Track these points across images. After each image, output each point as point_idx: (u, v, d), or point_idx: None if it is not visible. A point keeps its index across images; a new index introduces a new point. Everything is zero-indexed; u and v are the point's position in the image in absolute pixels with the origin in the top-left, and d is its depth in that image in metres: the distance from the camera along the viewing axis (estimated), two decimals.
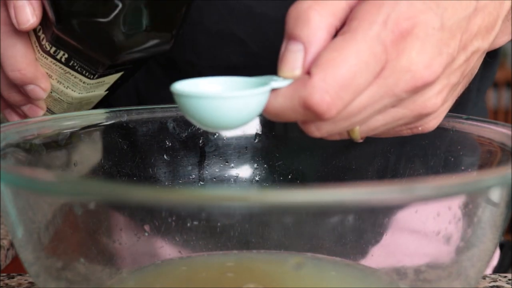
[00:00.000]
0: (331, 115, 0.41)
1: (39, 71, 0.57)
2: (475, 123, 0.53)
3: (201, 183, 0.61)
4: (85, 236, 0.50)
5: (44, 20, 0.55)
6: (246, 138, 0.60)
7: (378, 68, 0.42)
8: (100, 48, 0.54)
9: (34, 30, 0.56)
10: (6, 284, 0.59)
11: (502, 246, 0.77)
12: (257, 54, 0.65)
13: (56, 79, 0.58)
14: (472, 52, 0.46)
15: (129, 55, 0.54)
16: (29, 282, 0.59)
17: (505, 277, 0.60)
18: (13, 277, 0.61)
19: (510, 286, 0.58)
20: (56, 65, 0.57)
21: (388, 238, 0.56)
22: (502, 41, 0.51)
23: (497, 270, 0.74)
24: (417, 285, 0.50)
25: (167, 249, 0.57)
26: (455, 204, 0.46)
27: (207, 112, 0.41)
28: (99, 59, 0.55)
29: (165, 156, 0.60)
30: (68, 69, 0.57)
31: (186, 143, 0.60)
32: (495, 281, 0.60)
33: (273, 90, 0.42)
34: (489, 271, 0.73)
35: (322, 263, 0.54)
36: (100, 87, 0.59)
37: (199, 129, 0.59)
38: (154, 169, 0.59)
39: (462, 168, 0.54)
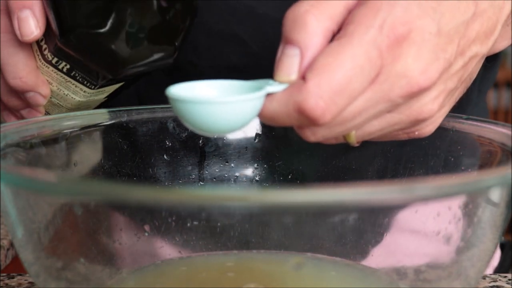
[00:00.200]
0: (325, 121, 0.41)
1: (39, 79, 0.57)
2: (475, 123, 0.53)
3: (201, 183, 0.61)
4: (85, 236, 0.50)
5: (47, 30, 0.55)
6: (246, 138, 0.60)
7: (374, 73, 0.41)
8: (103, 63, 0.54)
9: (37, 40, 0.56)
10: (6, 284, 0.59)
11: (503, 246, 0.77)
12: (257, 55, 0.65)
13: (56, 86, 0.58)
14: (470, 57, 0.45)
15: (132, 69, 0.54)
16: (29, 282, 0.59)
17: (505, 277, 0.60)
18: (13, 277, 0.61)
19: (510, 286, 0.58)
20: (57, 74, 0.57)
21: (388, 238, 0.56)
22: (502, 45, 0.51)
23: (497, 270, 0.74)
24: (417, 285, 0.50)
25: (167, 249, 0.57)
26: (455, 204, 0.46)
27: (202, 117, 0.42)
28: (102, 72, 0.55)
29: (165, 156, 0.60)
30: (69, 79, 0.57)
31: (186, 143, 0.60)
32: (495, 281, 0.60)
33: (269, 94, 0.42)
34: (490, 271, 0.73)
35: (322, 263, 0.54)
36: (100, 95, 0.59)
37: None
38: (154, 169, 0.59)
39: (462, 168, 0.54)
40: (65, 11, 0.52)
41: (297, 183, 0.60)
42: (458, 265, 0.47)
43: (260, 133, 0.60)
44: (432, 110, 0.44)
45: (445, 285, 0.47)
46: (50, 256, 0.46)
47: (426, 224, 0.50)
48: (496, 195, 0.44)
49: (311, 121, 0.41)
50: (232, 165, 0.61)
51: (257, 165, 0.61)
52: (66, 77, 0.57)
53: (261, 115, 0.43)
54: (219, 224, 0.57)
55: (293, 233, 0.56)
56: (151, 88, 0.70)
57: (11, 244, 0.82)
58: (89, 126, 0.57)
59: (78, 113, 0.58)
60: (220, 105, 0.41)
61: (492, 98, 3.35)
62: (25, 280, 0.60)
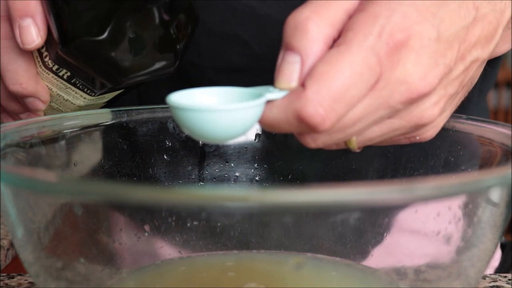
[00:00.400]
0: (325, 128, 0.41)
1: (39, 85, 0.57)
2: (475, 123, 0.53)
3: (201, 183, 0.61)
4: (85, 236, 0.50)
5: (48, 38, 0.55)
6: (246, 138, 0.60)
7: (373, 80, 0.41)
8: (104, 72, 0.54)
9: None
10: (6, 284, 0.59)
11: (503, 247, 0.77)
12: (259, 55, 0.65)
13: (56, 91, 0.58)
14: (471, 61, 0.45)
15: (132, 79, 0.54)
16: (29, 282, 0.59)
17: (505, 277, 0.60)
18: (13, 277, 0.61)
19: (510, 286, 0.58)
20: (57, 80, 0.57)
21: (388, 238, 0.56)
22: (503, 49, 0.51)
23: (498, 271, 0.74)
24: (417, 285, 0.50)
25: (167, 249, 0.57)
26: (455, 204, 0.46)
27: (203, 125, 0.42)
28: (102, 81, 0.55)
29: (165, 156, 0.60)
30: (69, 85, 0.57)
31: (186, 143, 0.60)
32: (495, 281, 0.60)
33: (269, 101, 0.42)
34: (490, 271, 0.73)
35: (322, 263, 0.54)
36: (99, 100, 0.59)
37: None
38: (154, 169, 0.59)
39: (462, 168, 0.54)
40: (67, 20, 0.52)
41: (297, 183, 0.60)
42: (458, 265, 0.47)
43: (260, 133, 0.61)
44: (432, 115, 0.44)
45: (445, 285, 0.47)
46: (50, 256, 0.46)
47: (426, 224, 0.50)
48: (496, 195, 0.44)
49: (311, 128, 0.41)
50: (232, 165, 0.61)
51: (257, 165, 0.61)
52: (66, 83, 0.57)
53: (261, 122, 0.43)
54: (219, 224, 0.57)
55: (293, 233, 0.56)
56: (151, 88, 0.70)
57: (11, 244, 0.82)
58: (89, 126, 0.57)
59: (78, 113, 0.58)
60: (221, 113, 0.41)
61: (492, 98, 3.35)
62: (25, 280, 0.60)
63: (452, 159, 0.55)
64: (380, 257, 0.54)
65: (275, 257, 0.56)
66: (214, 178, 0.61)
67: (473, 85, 0.49)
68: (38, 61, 0.57)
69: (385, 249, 0.56)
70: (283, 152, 0.61)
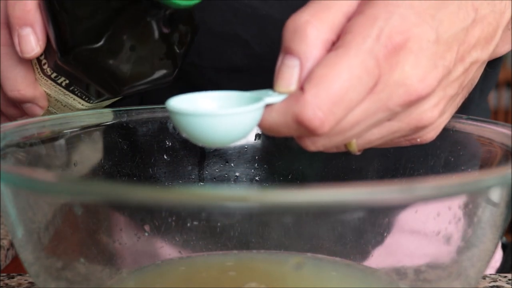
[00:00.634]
0: (323, 131, 0.41)
1: (37, 91, 0.57)
2: (475, 123, 0.53)
3: (201, 183, 0.61)
4: (85, 236, 0.50)
5: (47, 46, 0.55)
6: (246, 138, 0.60)
7: (371, 83, 0.41)
8: (103, 82, 0.53)
9: None
10: (6, 284, 0.59)
11: (505, 247, 0.77)
12: (260, 56, 0.65)
13: (54, 97, 0.58)
14: (470, 63, 0.45)
15: (131, 89, 0.54)
16: (29, 282, 0.59)
17: (505, 277, 0.60)
18: (13, 277, 0.61)
19: (510, 286, 0.58)
20: (55, 87, 0.57)
21: (388, 238, 0.56)
22: (503, 50, 0.51)
23: (499, 271, 0.74)
24: (417, 285, 0.50)
25: (167, 249, 0.57)
26: (455, 204, 0.46)
27: (202, 129, 0.42)
28: (101, 91, 0.55)
29: (165, 156, 0.60)
30: (67, 92, 0.57)
31: (186, 143, 0.60)
32: (495, 281, 0.60)
33: (268, 105, 0.42)
34: (492, 272, 0.73)
35: (322, 263, 0.54)
36: (97, 106, 0.59)
37: None
38: (154, 169, 0.59)
39: (462, 168, 0.54)
40: (66, 30, 0.52)
41: (297, 183, 0.60)
42: (458, 265, 0.47)
43: (260, 133, 0.61)
44: (432, 118, 0.44)
45: (445, 285, 0.47)
46: (50, 256, 0.46)
47: (426, 224, 0.50)
48: (496, 195, 0.44)
49: (310, 132, 0.41)
50: (232, 165, 0.61)
51: (257, 165, 0.61)
52: (64, 91, 0.57)
53: (260, 126, 0.43)
54: (219, 224, 0.57)
55: (293, 233, 0.56)
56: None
57: (11, 244, 0.82)
58: (89, 126, 0.57)
59: (78, 113, 0.58)
60: (220, 117, 0.42)
61: (492, 98, 3.35)
62: (25, 280, 0.60)
63: (452, 159, 0.55)
64: (380, 257, 0.54)
65: (275, 257, 0.56)
66: (214, 178, 0.61)
67: (473, 86, 0.49)
68: (37, 67, 0.57)
69: (385, 249, 0.56)
70: (283, 152, 0.61)
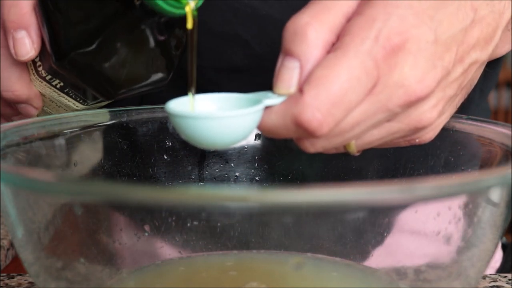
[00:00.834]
0: (323, 133, 0.41)
1: (32, 92, 0.57)
2: (475, 123, 0.53)
3: (201, 183, 0.61)
4: (85, 236, 0.50)
5: (42, 49, 0.55)
6: (246, 139, 0.60)
7: (370, 84, 0.41)
8: (98, 86, 0.53)
9: None
10: (6, 284, 0.59)
11: (505, 247, 0.77)
12: (260, 56, 0.65)
13: (49, 98, 0.58)
14: (469, 64, 0.45)
15: (126, 93, 0.54)
16: (29, 282, 0.59)
17: (505, 277, 0.60)
18: (13, 277, 0.61)
19: (510, 286, 0.58)
20: (50, 88, 0.57)
21: (388, 238, 0.56)
22: (503, 50, 0.51)
23: (499, 272, 0.74)
24: (417, 285, 0.50)
25: (167, 249, 0.57)
26: (455, 204, 0.46)
27: (201, 132, 0.42)
28: (95, 95, 0.55)
29: (165, 156, 0.60)
30: (62, 94, 0.57)
31: (186, 143, 0.60)
32: (495, 281, 0.59)
33: (267, 107, 0.42)
34: (492, 272, 0.73)
35: (322, 263, 0.54)
36: (92, 108, 0.59)
37: None
38: (154, 169, 0.59)
39: (462, 168, 0.54)
40: (61, 34, 0.52)
41: (297, 183, 0.60)
42: (458, 265, 0.47)
43: (260, 133, 0.60)
44: (431, 118, 0.44)
45: (445, 285, 0.47)
46: (50, 256, 0.46)
47: (426, 224, 0.50)
48: (496, 195, 0.44)
49: (309, 133, 0.41)
50: (232, 165, 0.61)
51: (257, 165, 0.61)
52: (59, 92, 0.57)
53: (260, 128, 0.43)
54: (219, 224, 0.57)
55: (293, 233, 0.56)
56: None
57: (11, 244, 0.82)
58: (89, 126, 0.57)
59: (78, 113, 0.58)
60: (219, 120, 0.42)
61: (492, 98, 3.34)
62: (25, 280, 0.60)
63: (452, 159, 0.55)
64: (380, 257, 0.54)
65: (275, 257, 0.56)
66: (214, 178, 0.61)
67: (472, 86, 0.49)
68: (32, 69, 0.57)
69: (385, 249, 0.56)
70: (283, 152, 0.61)
